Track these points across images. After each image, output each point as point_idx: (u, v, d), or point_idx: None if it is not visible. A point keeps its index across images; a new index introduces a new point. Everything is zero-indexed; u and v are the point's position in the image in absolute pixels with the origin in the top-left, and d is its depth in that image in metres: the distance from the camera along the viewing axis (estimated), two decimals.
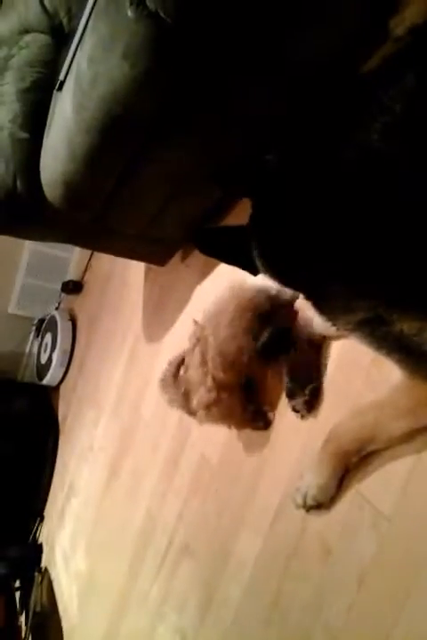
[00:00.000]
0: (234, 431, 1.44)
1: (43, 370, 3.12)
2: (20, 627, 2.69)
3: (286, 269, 0.84)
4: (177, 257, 1.97)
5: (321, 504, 1.10)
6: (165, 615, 1.59)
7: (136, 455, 2.01)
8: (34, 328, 3.45)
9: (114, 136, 1.21)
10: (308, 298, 0.85)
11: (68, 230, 1.73)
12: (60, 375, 3.05)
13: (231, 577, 1.34)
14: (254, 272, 0.90)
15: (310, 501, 1.10)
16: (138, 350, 2.20)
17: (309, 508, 1.12)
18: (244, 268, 0.93)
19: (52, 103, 1.46)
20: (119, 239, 1.81)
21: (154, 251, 1.94)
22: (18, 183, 1.47)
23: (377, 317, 0.76)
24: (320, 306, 0.86)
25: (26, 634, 2.58)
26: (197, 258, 1.84)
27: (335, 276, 0.76)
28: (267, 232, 0.83)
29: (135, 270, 2.36)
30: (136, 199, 1.53)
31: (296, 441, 1.24)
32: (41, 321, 3.33)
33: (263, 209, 0.84)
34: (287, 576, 1.17)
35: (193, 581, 1.50)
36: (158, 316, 2.08)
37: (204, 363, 1.31)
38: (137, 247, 1.89)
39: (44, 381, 3.08)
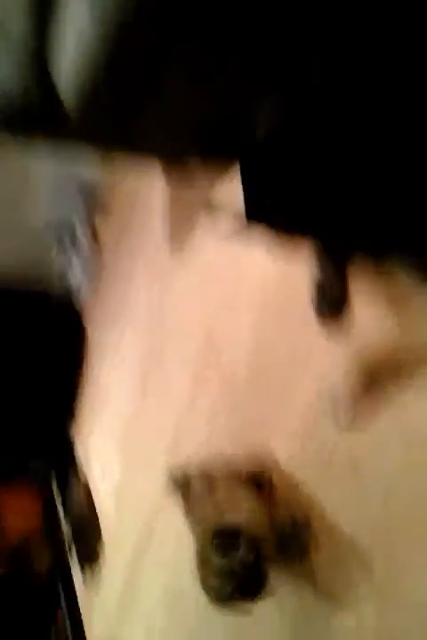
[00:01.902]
0: (263, 338, 1.44)
1: (69, 284, 3.16)
2: (60, 525, 2.89)
3: None
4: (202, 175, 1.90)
5: (352, 420, 1.10)
6: None
7: (165, 368, 2.04)
8: (59, 243, 3.44)
9: (134, 27, 1.11)
10: None
11: (87, 140, 1.67)
12: (87, 289, 3.08)
13: None
14: None
15: (342, 417, 1.11)
16: (162, 264, 2.20)
17: (342, 424, 1.12)
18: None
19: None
20: (141, 149, 1.75)
21: (178, 169, 1.87)
22: (35, 91, 1.40)
23: None
24: None
25: (65, 535, 2.76)
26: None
27: None
28: None
29: (159, 189, 2.30)
30: (158, 107, 1.45)
31: (326, 359, 1.22)
32: (67, 237, 3.32)
33: None
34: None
35: None
36: (181, 233, 2.04)
37: None
38: (159, 163, 1.83)
39: (71, 295, 3.13)
